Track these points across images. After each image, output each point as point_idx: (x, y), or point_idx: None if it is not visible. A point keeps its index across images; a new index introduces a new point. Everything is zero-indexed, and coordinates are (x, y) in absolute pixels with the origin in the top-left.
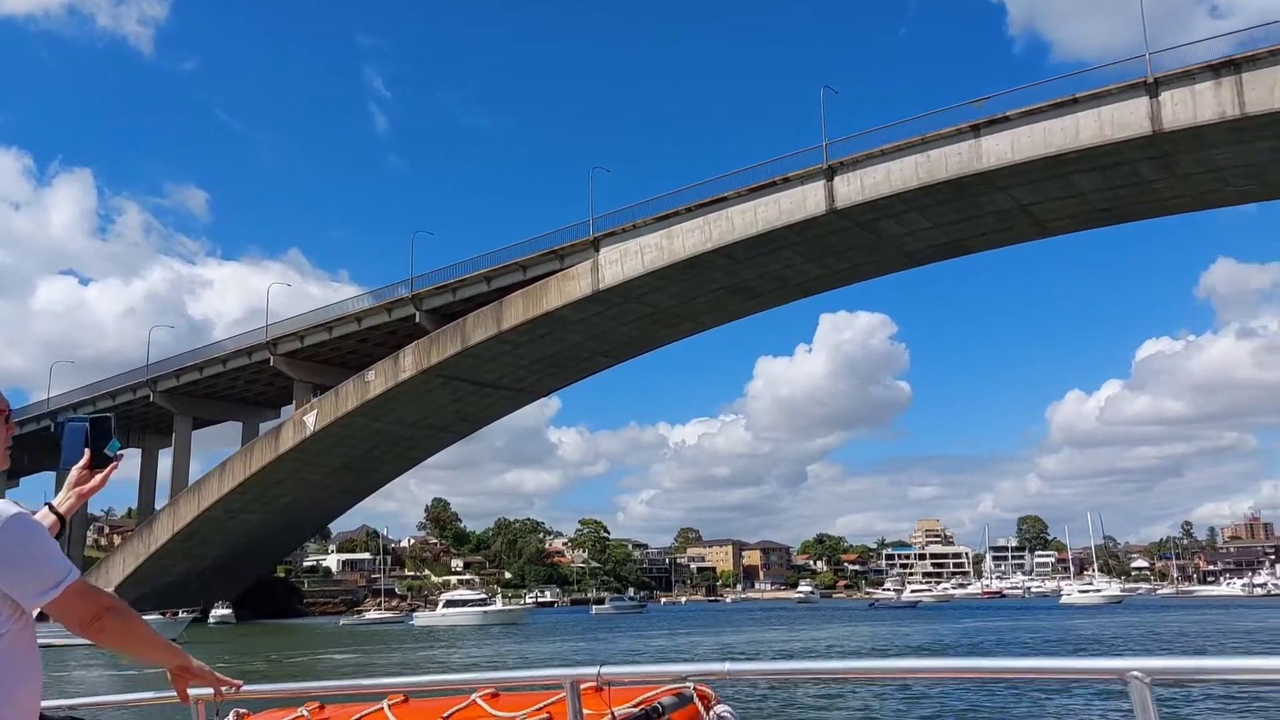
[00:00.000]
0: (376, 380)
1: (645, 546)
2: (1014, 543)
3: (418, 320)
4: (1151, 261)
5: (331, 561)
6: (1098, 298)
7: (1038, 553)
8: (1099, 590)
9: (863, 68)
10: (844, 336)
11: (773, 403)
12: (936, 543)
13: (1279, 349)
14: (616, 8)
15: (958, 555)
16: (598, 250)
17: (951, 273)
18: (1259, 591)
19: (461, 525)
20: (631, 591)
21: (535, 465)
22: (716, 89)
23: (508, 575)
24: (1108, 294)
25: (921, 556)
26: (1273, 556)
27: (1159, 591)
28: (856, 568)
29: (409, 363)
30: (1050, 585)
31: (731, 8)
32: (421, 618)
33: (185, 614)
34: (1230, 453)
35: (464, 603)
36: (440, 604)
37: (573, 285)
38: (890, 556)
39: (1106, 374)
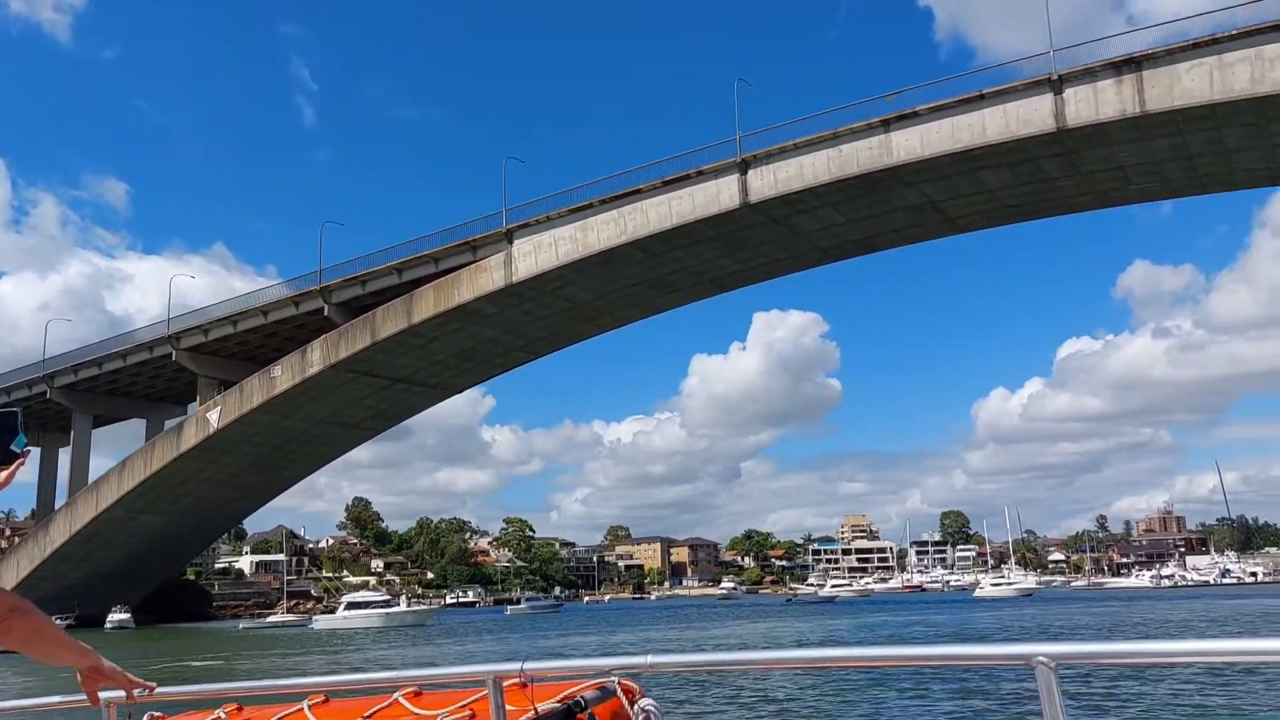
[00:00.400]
0: (283, 376)
1: (573, 545)
2: (937, 537)
3: (326, 314)
4: (1072, 263)
5: (245, 563)
6: (1022, 298)
7: (959, 547)
8: (1011, 584)
9: (789, 65)
10: (777, 335)
11: (708, 400)
12: (862, 538)
13: (1192, 348)
14: None
15: (882, 550)
16: (511, 242)
17: (880, 272)
18: (1166, 583)
19: (383, 525)
20: (559, 590)
21: (468, 464)
22: (634, 81)
23: (430, 575)
24: (1031, 294)
25: (847, 552)
26: (1183, 549)
27: (1074, 584)
28: (783, 563)
29: (316, 357)
30: (969, 579)
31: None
32: (322, 621)
33: (59, 620)
34: (1147, 448)
35: (367, 604)
36: (341, 606)
37: (485, 278)
38: (817, 552)
39: (1030, 372)
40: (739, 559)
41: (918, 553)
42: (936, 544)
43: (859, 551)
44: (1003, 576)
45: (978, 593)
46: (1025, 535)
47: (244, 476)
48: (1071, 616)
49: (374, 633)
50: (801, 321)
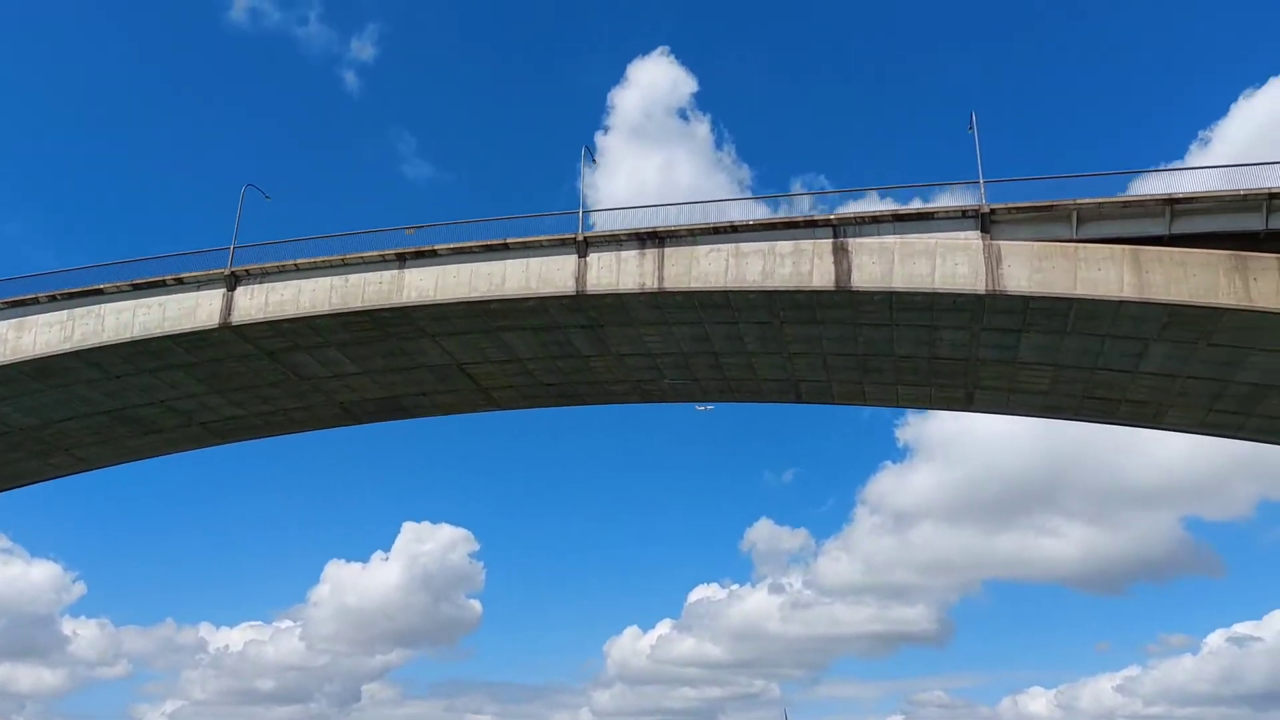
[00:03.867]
0: None
1: None
2: None
3: None
4: (710, 511)
5: None
6: (663, 539)
7: None
8: None
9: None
10: (424, 548)
11: (337, 611)
12: None
13: (801, 606)
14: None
15: None
16: None
17: (529, 495)
18: None
19: None
20: None
21: (36, 660)
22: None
23: None
24: (671, 536)
25: None
26: None
27: None
28: None
29: None
30: None
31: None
32: None
33: None
34: (758, 700)
35: None
36: None
37: None
38: None
39: (663, 613)
40: None
41: None
42: None
43: None
44: None
45: None
46: None
47: None
48: None
49: None
50: (452, 537)
